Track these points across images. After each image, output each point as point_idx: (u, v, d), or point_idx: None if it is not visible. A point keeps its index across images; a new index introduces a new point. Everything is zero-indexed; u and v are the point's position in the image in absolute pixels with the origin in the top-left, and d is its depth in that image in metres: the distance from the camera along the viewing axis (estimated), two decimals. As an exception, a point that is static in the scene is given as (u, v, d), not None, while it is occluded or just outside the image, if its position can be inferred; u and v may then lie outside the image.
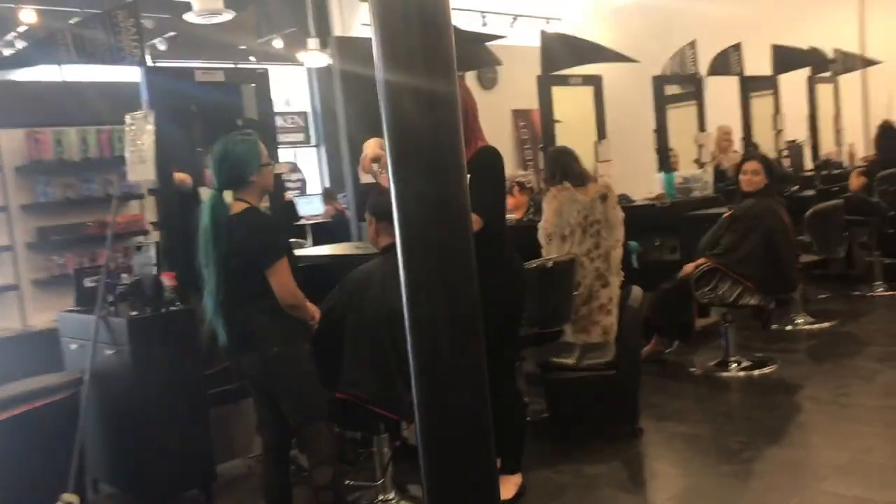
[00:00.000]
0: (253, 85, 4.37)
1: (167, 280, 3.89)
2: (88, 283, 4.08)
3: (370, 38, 1.75)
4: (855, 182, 7.19)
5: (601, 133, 6.14)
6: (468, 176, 3.29)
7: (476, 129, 3.38)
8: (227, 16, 7.15)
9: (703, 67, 7.17)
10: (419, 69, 1.67)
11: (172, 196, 4.08)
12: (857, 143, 8.89)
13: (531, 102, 6.07)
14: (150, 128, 3.92)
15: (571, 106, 6.13)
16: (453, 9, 1.76)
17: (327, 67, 10.24)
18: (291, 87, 11.28)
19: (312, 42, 10.37)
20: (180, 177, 4.17)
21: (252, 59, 9.66)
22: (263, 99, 4.38)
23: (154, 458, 3.74)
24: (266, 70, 4.46)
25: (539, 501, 3.54)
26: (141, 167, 3.98)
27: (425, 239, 1.71)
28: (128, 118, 4.01)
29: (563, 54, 5.78)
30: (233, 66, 7.92)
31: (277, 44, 9.99)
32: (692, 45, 7.02)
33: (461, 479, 1.75)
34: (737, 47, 7.46)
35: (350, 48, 7.14)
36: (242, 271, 2.96)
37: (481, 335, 1.78)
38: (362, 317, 3.25)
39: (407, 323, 1.79)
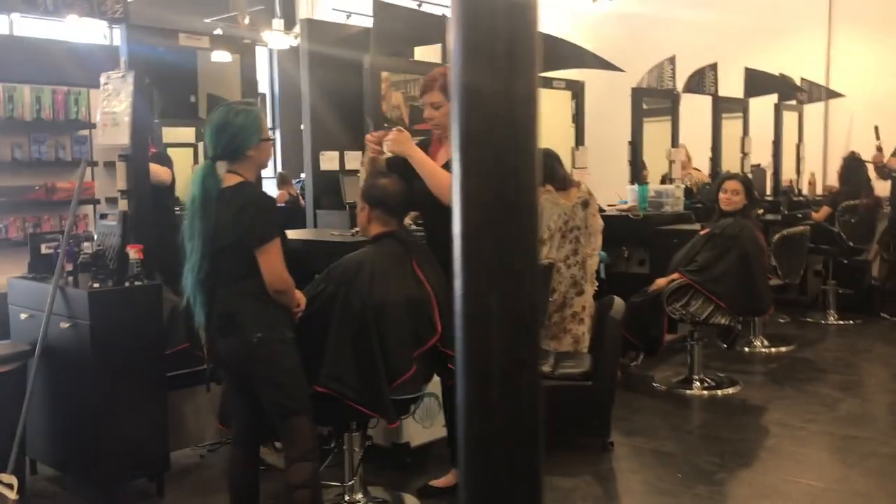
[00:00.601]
0: (237, 55, 4.13)
1: (133, 253, 3.63)
2: (45, 249, 3.80)
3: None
4: (819, 212, 7.26)
5: (579, 139, 6.05)
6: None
7: None
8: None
9: (679, 83, 7.17)
10: (501, 69, 1.52)
11: (144, 163, 3.82)
12: (817, 173, 9.01)
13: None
14: (130, 89, 3.67)
15: (550, 110, 6.03)
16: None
17: (289, 50, 10.00)
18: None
19: (277, 22, 10.10)
20: (159, 172, 4.01)
21: (217, 32, 9.31)
22: (248, 71, 4.14)
23: (105, 442, 3.48)
24: (253, 41, 4.23)
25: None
26: (114, 130, 3.72)
27: (487, 239, 1.56)
28: (103, 77, 3.75)
29: (548, 55, 5.67)
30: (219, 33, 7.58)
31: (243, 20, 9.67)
32: (672, 60, 7.00)
33: (504, 486, 1.60)
34: (713, 67, 7.48)
35: (320, 31, 6.94)
36: (229, 249, 2.75)
37: (536, 339, 1.64)
38: (349, 308, 3.07)
39: (458, 322, 1.64)
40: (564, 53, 5.78)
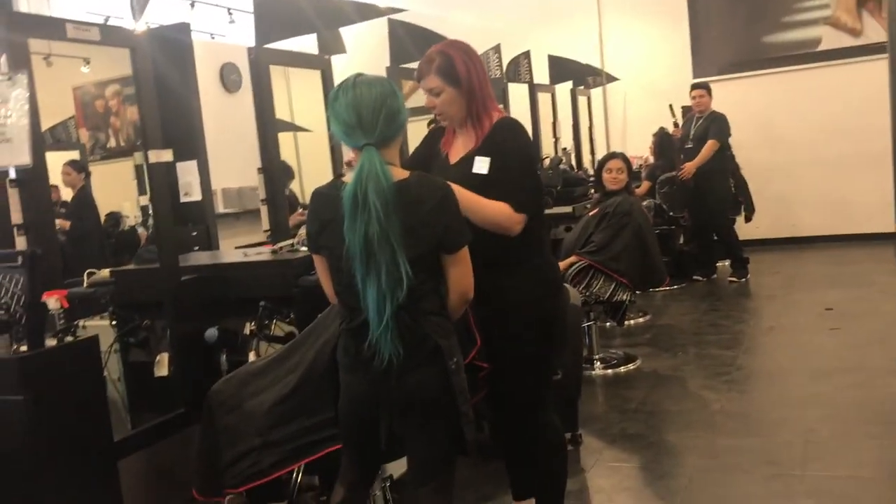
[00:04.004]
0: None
1: (54, 301, 2.86)
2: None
3: None
4: (641, 187, 7.65)
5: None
6: (487, 160, 2.80)
7: (490, 95, 2.82)
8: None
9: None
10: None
11: (46, 186, 3.03)
12: (604, 152, 9.55)
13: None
14: (22, 93, 2.87)
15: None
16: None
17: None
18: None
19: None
20: None
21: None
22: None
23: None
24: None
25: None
26: (4, 149, 2.90)
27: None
28: (-24, 80, 2.90)
29: (410, 45, 5.39)
30: None
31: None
32: (497, 49, 7.00)
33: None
34: (527, 55, 7.61)
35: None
36: (418, 260, 2.15)
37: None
38: None
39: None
40: (425, 42, 5.50)
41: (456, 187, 2.59)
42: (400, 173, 2.19)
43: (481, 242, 2.77)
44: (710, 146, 7.46)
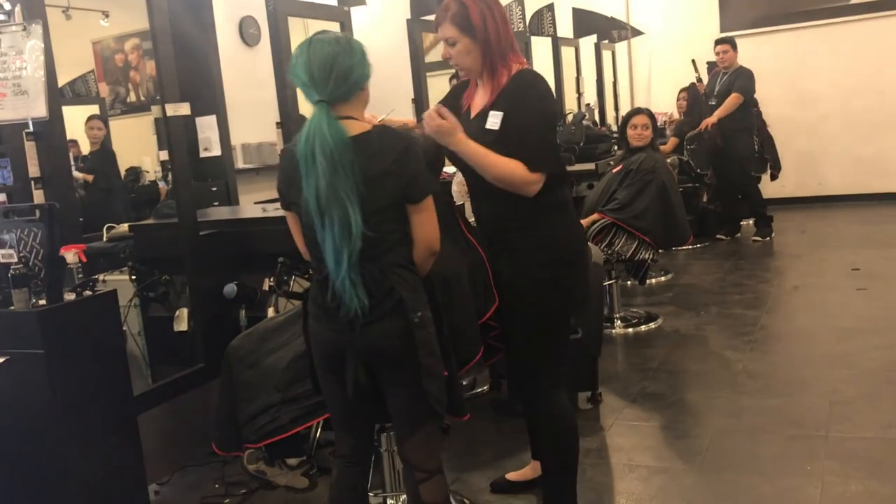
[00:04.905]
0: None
1: (72, 255, 2.85)
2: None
3: None
4: (667, 144, 7.53)
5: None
6: (500, 114, 2.70)
7: (512, 46, 2.70)
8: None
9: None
10: None
11: (63, 139, 3.00)
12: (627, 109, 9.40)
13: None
14: (37, 44, 2.83)
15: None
16: None
17: None
18: None
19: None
20: None
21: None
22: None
23: (73, 490, 2.72)
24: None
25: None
26: (21, 101, 2.86)
27: None
28: (-9, 32, 2.86)
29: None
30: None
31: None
32: (520, 1, 6.86)
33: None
34: (550, 8, 7.45)
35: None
36: (382, 211, 2.17)
37: None
38: None
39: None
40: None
41: (466, 141, 2.54)
42: (360, 127, 2.18)
43: (494, 205, 2.71)
44: (732, 99, 7.29)
